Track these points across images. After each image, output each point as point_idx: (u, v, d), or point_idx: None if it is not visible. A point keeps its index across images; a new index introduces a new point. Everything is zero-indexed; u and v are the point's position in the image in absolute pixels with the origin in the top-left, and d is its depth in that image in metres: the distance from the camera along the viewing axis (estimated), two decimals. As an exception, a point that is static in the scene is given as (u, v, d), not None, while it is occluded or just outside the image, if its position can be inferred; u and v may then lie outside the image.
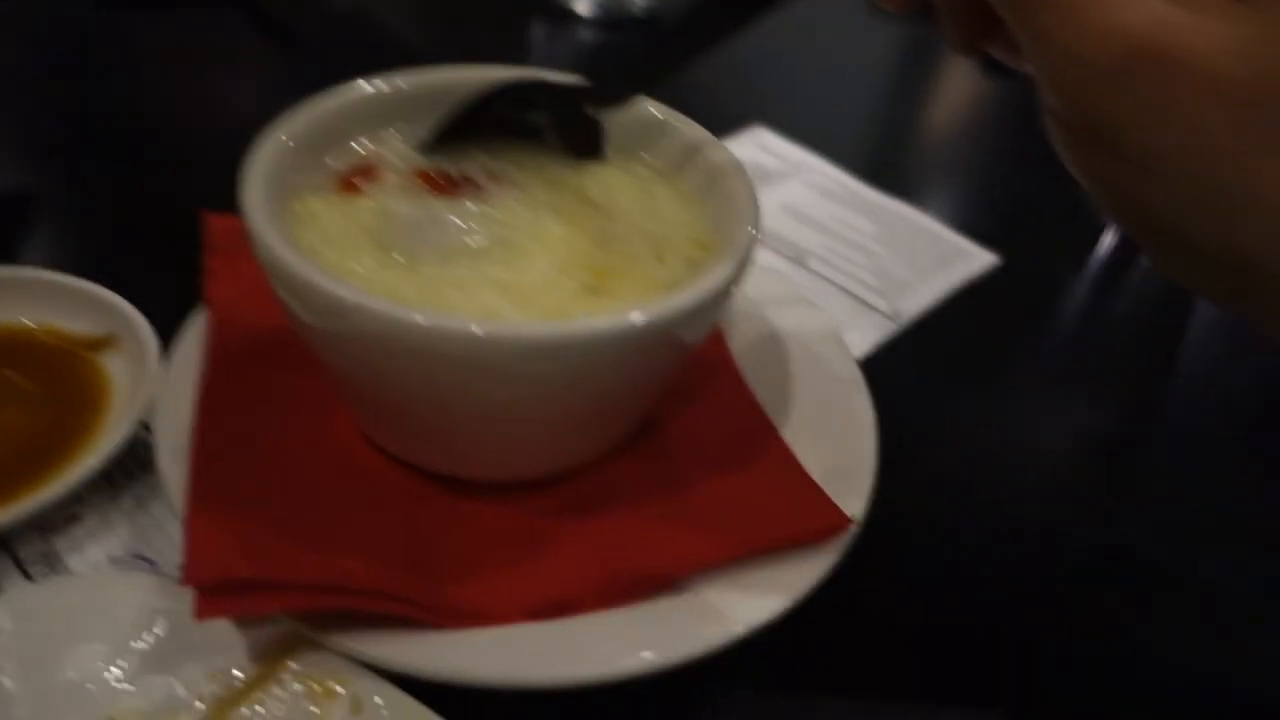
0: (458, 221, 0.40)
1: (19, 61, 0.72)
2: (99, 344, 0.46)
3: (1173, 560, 0.47)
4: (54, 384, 0.44)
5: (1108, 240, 0.67)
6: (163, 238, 0.56)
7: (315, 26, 0.83)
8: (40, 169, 0.64)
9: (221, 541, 0.34)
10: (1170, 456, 0.53)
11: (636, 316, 0.33)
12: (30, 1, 0.82)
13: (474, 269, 0.37)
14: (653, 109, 0.44)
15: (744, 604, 0.37)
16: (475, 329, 0.32)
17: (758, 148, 0.72)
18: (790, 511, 0.39)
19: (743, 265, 0.37)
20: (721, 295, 0.36)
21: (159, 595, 0.35)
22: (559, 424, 0.38)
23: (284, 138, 0.39)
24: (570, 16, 0.87)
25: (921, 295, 0.60)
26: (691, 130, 0.44)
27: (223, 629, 0.34)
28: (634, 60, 0.41)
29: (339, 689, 0.34)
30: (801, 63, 0.87)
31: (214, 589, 0.32)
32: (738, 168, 0.41)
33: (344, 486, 0.39)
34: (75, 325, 0.46)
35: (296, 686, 0.34)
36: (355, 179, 0.41)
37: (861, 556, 0.39)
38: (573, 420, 0.38)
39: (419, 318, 0.32)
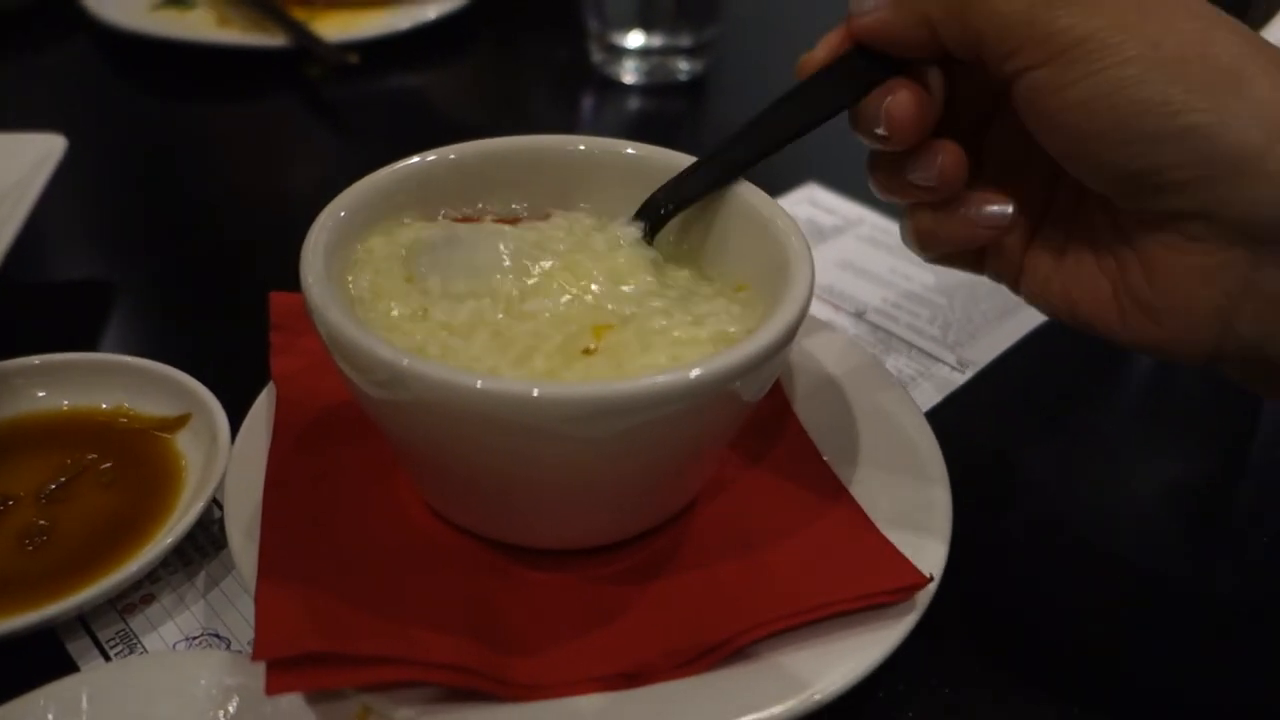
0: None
1: (93, 159, 0.75)
2: (173, 424, 0.47)
3: (1268, 608, 0.44)
4: (130, 465, 0.45)
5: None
6: (231, 319, 0.58)
7: (370, 109, 0.86)
8: (116, 260, 0.66)
9: (291, 616, 0.34)
10: (1260, 502, 0.50)
11: (694, 371, 0.33)
12: (104, 100, 0.87)
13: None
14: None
15: (822, 670, 0.36)
16: (532, 391, 0.32)
17: (811, 204, 0.72)
18: (864, 571, 0.38)
19: (799, 317, 0.37)
20: (779, 347, 0.36)
21: (231, 672, 0.35)
22: (619, 487, 0.38)
23: (341, 212, 0.40)
24: (617, 85, 0.89)
25: (988, 344, 0.59)
26: (742, 189, 0.44)
27: (295, 705, 0.34)
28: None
29: (410, 765, 0.33)
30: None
31: (285, 664, 0.32)
32: (788, 221, 0.41)
33: (409, 557, 0.39)
34: (150, 407, 0.48)
35: (368, 762, 0.33)
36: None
37: (939, 614, 0.38)
38: (632, 483, 0.38)
39: (476, 381, 0.32)
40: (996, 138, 0.42)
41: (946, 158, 0.38)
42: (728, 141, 0.43)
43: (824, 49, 0.40)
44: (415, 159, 0.44)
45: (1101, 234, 0.38)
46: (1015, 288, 0.42)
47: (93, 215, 0.71)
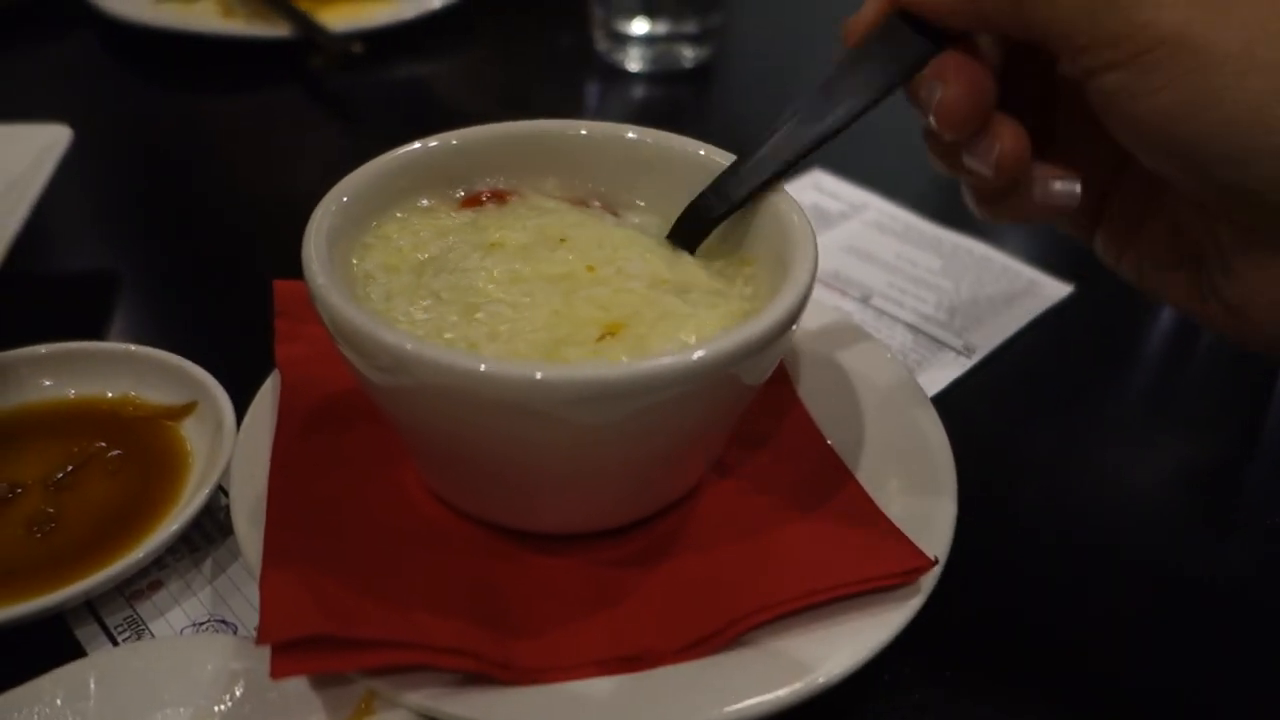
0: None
1: (99, 150, 0.75)
2: (179, 412, 0.47)
3: (1272, 595, 0.44)
4: (137, 453, 0.45)
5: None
6: (236, 307, 0.58)
7: (375, 98, 0.86)
8: (122, 250, 0.66)
9: (296, 600, 0.34)
10: (1269, 489, 0.50)
11: (698, 354, 0.33)
12: (109, 92, 0.87)
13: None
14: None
15: (826, 654, 0.35)
16: (536, 373, 0.32)
17: (816, 190, 0.72)
18: (868, 554, 0.38)
19: (802, 298, 0.36)
20: (782, 329, 0.36)
21: (237, 657, 0.36)
22: (622, 471, 0.38)
23: (344, 198, 0.40)
24: (622, 73, 0.89)
25: (994, 329, 0.58)
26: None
27: (300, 689, 0.34)
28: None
29: (415, 748, 0.33)
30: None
31: (289, 647, 0.33)
32: (791, 201, 0.41)
33: (414, 543, 0.39)
34: (156, 395, 0.48)
35: (373, 746, 0.33)
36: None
37: (944, 598, 0.37)
38: (636, 466, 0.38)
39: (480, 365, 0.32)
40: (1067, 109, 0.39)
41: (1004, 145, 0.35)
42: (776, 137, 0.40)
43: (870, 8, 0.37)
44: (417, 145, 0.44)
45: (1181, 224, 0.36)
46: (1089, 242, 0.40)
47: (99, 206, 0.71)
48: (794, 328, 0.37)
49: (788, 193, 0.42)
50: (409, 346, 0.33)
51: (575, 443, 0.35)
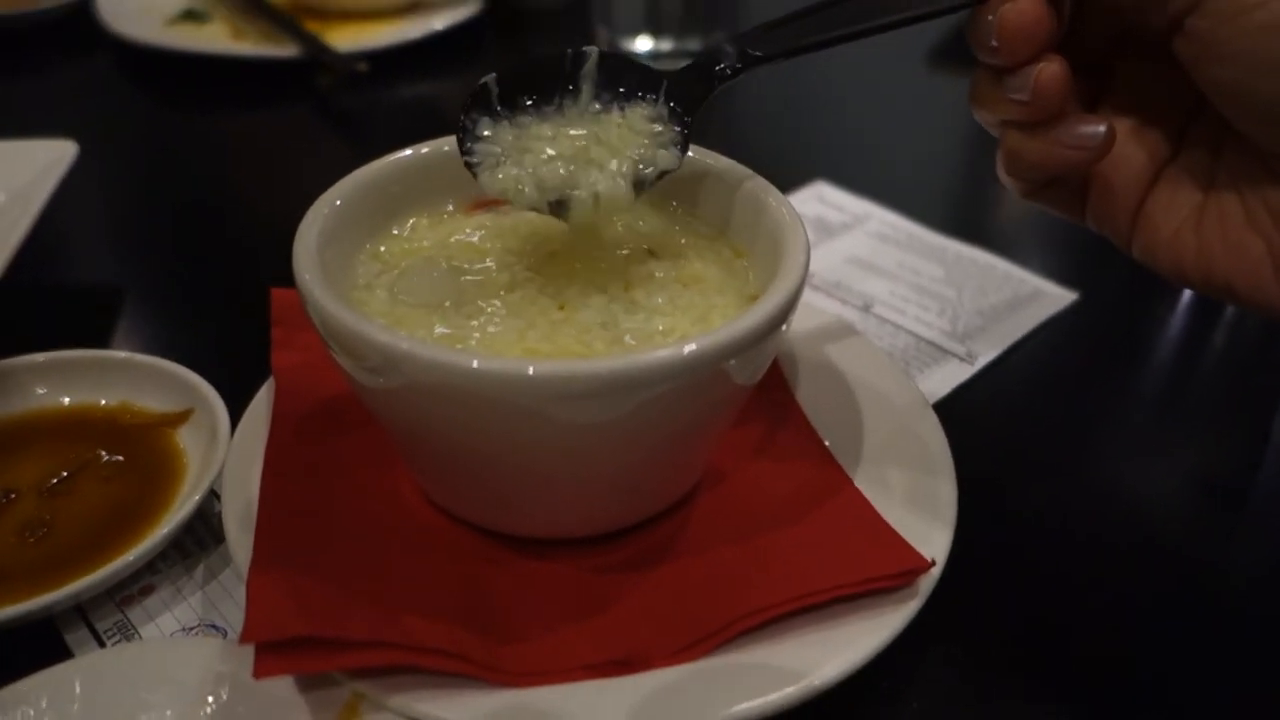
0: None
1: (109, 167, 0.76)
2: (175, 419, 0.47)
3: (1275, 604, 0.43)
4: (132, 460, 0.45)
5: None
6: (236, 319, 0.58)
7: (380, 117, 0.87)
8: (126, 263, 0.67)
9: (281, 601, 0.34)
10: (1272, 498, 0.49)
11: (689, 347, 0.33)
12: (120, 110, 0.88)
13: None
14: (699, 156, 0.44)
15: (821, 657, 0.35)
16: (528, 369, 0.32)
17: (820, 201, 0.71)
18: (863, 555, 0.37)
19: (794, 293, 0.36)
20: (774, 324, 0.35)
21: (223, 660, 0.35)
22: (615, 469, 0.37)
23: (337, 200, 0.40)
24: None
25: (997, 336, 0.58)
26: (727, 164, 0.43)
27: (286, 693, 0.34)
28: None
29: (401, 751, 0.33)
30: (860, 117, 0.87)
31: (273, 647, 0.32)
32: (785, 206, 0.41)
33: (404, 547, 0.39)
34: (154, 403, 0.48)
35: (359, 749, 0.33)
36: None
37: (946, 604, 0.37)
38: (629, 465, 0.37)
39: (473, 361, 0.32)
40: (1125, 71, 0.39)
41: (1044, 71, 0.35)
42: (823, 13, 0.38)
43: None
44: (408, 151, 0.44)
45: (1257, 187, 0.35)
46: (1125, 240, 0.39)
47: (105, 220, 0.72)
48: (785, 327, 0.36)
49: (776, 190, 0.41)
50: (400, 345, 0.33)
51: (568, 441, 0.35)
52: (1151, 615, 0.42)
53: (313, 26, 0.92)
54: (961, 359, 0.56)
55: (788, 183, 0.71)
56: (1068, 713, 0.38)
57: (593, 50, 0.40)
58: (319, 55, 0.88)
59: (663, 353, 0.33)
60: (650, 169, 0.39)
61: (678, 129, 0.39)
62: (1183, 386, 0.57)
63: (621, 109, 0.40)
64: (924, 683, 0.39)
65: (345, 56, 0.88)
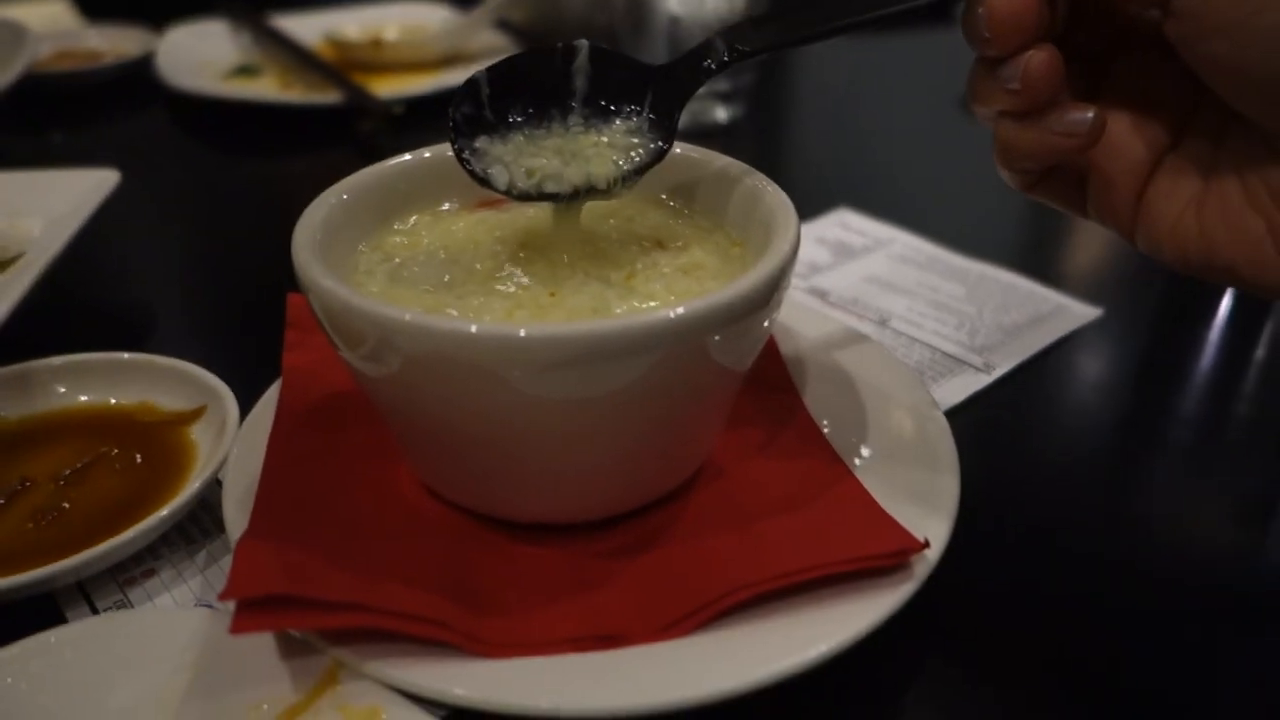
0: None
1: (158, 201, 0.80)
2: (189, 417, 0.48)
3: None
4: (146, 454, 0.46)
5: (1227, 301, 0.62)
6: (256, 324, 0.60)
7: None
8: (164, 282, 0.70)
9: (265, 562, 0.34)
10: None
11: (674, 311, 0.33)
12: (174, 154, 0.92)
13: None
14: (687, 151, 0.45)
15: (811, 635, 0.34)
16: (519, 331, 0.32)
17: (842, 227, 0.71)
18: (856, 535, 0.36)
19: (782, 267, 0.36)
20: (763, 294, 0.35)
21: (210, 629, 0.35)
22: (607, 448, 0.37)
23: (343, 194, 0.42)
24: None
25: (1017, 348, 0.57)
26: (724, 162, 0.44)
27: (267, 659, 0.34)
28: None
29: (379, 718, 0.32)
30: (889, 154, 0.88)
31: (252, 605, 0.32)
32: (778, 196, 0.41)
33: (395, 525, 0.39)
34: (172, 401, 0.49)
35: (337, 716, 0.32)
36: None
37: (945, 604, 0.36)
38: (621, 442, 0.37)
39: (471, 327, 0.32)
40: (1123, 65, 0.39)
41: (1034, 59, 0.35)
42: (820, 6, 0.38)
43: None
44: (414, 154, 0.46)
45: (1258, 168, 0.35)
46: (1128, 231, 0.39)
47: (147, 244, 0.75)
48: (775, 305, 0.36)
49: (772, 183, 0.42)
50: (396, 316, 0.33)
51: (557, 416, 0.35)
52: (1166, 625, 0.40)
53: (359, 79, 0.97)
54: (978, 369, 0.55)
55: (810, 210, 0.72)
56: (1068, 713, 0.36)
57: (583, 44, 0.41)
58: (360, 102, 0.92)
59: (649, 317, 0.33)
60: (638, 156, 0.40)
61: (659, 140, 0.41)
62: (1204, 402, 0.55)
63: (602, 128, 0.41)
64: (925, 684, 0.37)
65: (383, 101, 0.91)
